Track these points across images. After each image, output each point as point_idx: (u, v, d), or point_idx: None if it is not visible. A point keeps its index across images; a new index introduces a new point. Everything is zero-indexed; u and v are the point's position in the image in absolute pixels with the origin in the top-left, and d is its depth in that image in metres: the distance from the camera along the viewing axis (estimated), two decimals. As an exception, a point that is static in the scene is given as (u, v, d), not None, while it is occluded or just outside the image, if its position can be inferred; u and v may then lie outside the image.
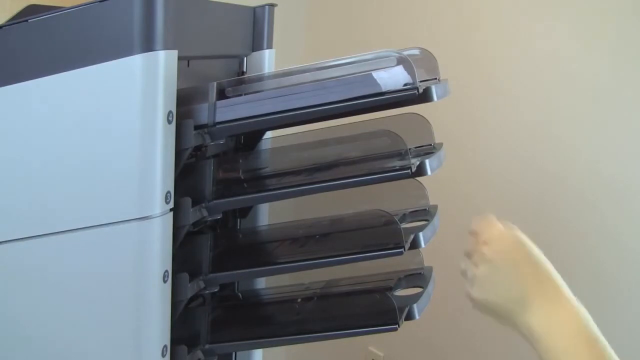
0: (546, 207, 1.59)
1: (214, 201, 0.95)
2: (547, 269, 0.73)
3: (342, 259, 0.97)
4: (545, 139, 1.60)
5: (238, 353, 1.19)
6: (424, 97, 0.90)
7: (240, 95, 0.96)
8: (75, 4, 0.83)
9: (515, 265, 0.73)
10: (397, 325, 0.97)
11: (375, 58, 0.94)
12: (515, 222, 1.59)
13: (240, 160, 1.11)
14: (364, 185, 0.93)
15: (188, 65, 0.99)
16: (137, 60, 0.81)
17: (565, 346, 0.66)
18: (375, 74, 0.88)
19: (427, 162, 0.92)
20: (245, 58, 1.14)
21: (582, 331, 0.67)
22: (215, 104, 0.91)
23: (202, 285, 0.97)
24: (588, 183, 1.53)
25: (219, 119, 0.92)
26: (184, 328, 0.96)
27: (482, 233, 0.78)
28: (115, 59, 0.82)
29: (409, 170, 0.90)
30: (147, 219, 0.84)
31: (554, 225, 1.58)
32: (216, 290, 0.99)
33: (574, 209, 1.56)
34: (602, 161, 1.51)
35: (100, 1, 0.82)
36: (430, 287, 1.06)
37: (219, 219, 0.98)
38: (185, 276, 0.92)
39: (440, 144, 1.06)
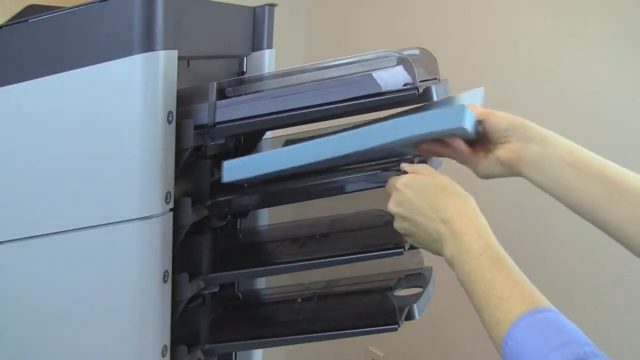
0: (546, 207, 1.59)
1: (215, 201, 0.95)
2: (440, 205, 0.81)
3: (342, 259, 0.97)
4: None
5: (238, 353, 1.19)
6: (424, 97, 0.90)
7: (240, 95, 0.96)
8: (75, 4, 0.83)
9: (414, 216, 0.82)
10: (397, 325, 0.97)
11: (375, 58, 0.94)
12: (514, 222, 1.59)
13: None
14: (367, 189, 0.93)
15: (188, 65, 0.99)
16: (137, 60, 0.81)
17: (473, 267, 0.74)
18: (375, 74, 0.88)
19: (427, 162, 0.93)
20: (245, 58, 1.14)
21: (484, 250, 0.75)
22: (215, 104, 0.91)
23: (202, 285, 0.97)
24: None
25: (219, 119, 0.91)
26: (184, 328, 0.96)
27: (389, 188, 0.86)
28: (115, 59, 0.82)
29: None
30: (147, 219, 0.84)
31: (555, 223, 1.58)
32: (216, 290, 0.99)
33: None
34: (607, 155, 1.51)
35: (100, 1, 0.82)
36: (430, 287, 1.06)
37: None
38: (185, 276, 0.92)
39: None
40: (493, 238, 0.77)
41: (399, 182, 0.84)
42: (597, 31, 1.50)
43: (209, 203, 0.95)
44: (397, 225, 0.85)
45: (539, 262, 1.59)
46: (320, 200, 0.98)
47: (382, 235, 0.99)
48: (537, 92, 1.61)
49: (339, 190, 0.94)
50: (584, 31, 1.52)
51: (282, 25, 1.23)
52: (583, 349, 0.64)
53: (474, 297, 0.74)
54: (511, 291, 0.71)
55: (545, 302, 0.69)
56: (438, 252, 0.82)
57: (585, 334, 0.67)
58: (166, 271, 0.88)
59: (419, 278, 1.09)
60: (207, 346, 1.00)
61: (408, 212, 0.83)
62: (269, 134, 1.15)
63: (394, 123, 0.82)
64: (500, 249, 0.76)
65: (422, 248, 0.85)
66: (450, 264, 0.79)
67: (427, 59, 0.99)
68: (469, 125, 0.82)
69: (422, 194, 0.82)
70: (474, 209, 0.80)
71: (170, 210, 0.88)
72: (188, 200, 0.90)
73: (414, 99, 0.88)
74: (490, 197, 1.68)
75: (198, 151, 0.94)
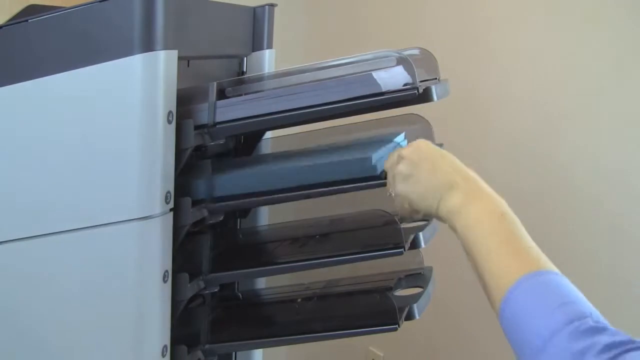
0: (547, 207, 1.59)
1: (215, 202, 0.95)
2: (464, 166, 0.81)
3: (342, 259, 0.97)
4: (546, 138, 1.60)
5: (238, 353, 1.19)
6: (424, 97, 0.90)
7: (240, 95, 0.96)
8: (75, 4, 0.83)
9: (433, 160, 0.82)
10: (397, 325, 0.97)
11: (375, 58, 0.94)
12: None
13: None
14: (365, 189, 0.93)
15: (188, 65, 0.99)
16: (137, 60, 0.81)
17: (484, 225, 0.74)
18: (375, 74, 0.88)
19: None
20: (245, 58, 1.14)
21: (499, 213, 0.74)
22: (215, 104, 0.91)
23: (202, 285, 0.97)
24: (589, 181, 1.53)
25: (219, 119, 0.91)
26: (184, 328, 0.96)
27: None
28: (115, 59, 0.82)
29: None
30: (147, 219, 0.84)
31: (557, 223, 1.58)
32: (216, 290, 0.99)
33: (576, 207, 1.56)
34: (604, 158, 1.51)
35: (100, 1, 0.82)
36: (430, 287, 1.06)
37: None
38: (185, 276, 0.92)
39: (441, 145, 1.06)
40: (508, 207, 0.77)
41: (419, 139, 0.85)
42: (596, 29, 1.50)
43: (209, 203, 0.95)
44: (403, 168, 0.83)
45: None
46: (321, 200, 0.98)
47: (382, 235, 0.99)
48: (537, 90, 1.61)
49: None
50: (584, 27, 1.52)
51: (282, 25, 1.23)
52: (582, 309, 0.64)
53: (481, 249, 0.72)
54: (522, 252, 0.70)
55: (553, 268, 0.69)
56: (437, 203, 0.79)
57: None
58: (166, 271, 0.88)
59: (419, 278, 1.09)
60: (207, 346, 1.00)
61: (423, 156, 0.82)
62: (269, 134, 1.15)
63: (317, 167, 0.94)
64: (516, 217, 0.75)
65: (416, 198, 0.82)
66: (457, 212, 0.77)
67: (427, 59, 0.99)
68: (380, 169, 0.91)
69: (442, 153, 0.83)
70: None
71: (170, 210, 0.88)
72: (188, 200, 0.90)
73: (414, 99, 0.88)
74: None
75: (198, 151, 0.94)
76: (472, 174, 0.80)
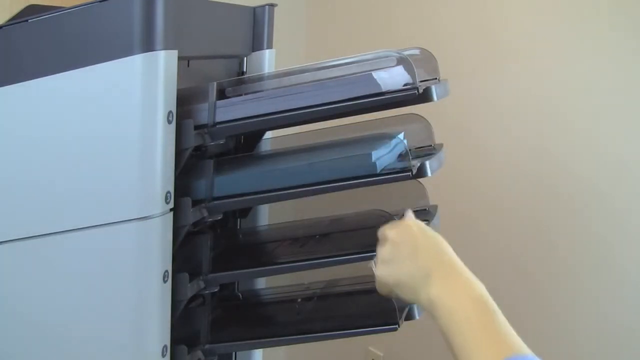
0: (546, 207, 1.59)
1: (214, 201, 0.95)
2: (445, 249, 0.80)
3: (342, 259, 0.97)
4: (547, 138, 1.60)
5: (238, 353, 1.19)
6: (424, 97, 0.90)
7: (240, 95, 0.96)
8: (75, 4, 0.83)
9: (415, 245, 0.81)
10: (397, 325, 0.97)
11: (375, 58, 0.94)
12: (514, 220, 1.59)
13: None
14: (365, 187, 0.93)
15: (188, 65, 0.99)
16: (137, 60, 0.81)
17: (459, 313, 0.73)
18: (375, 74, 0.88)
19: (427, 163, 0.92)
20: (245, 58, 1.14)
21: (474, 299, 0.74)
22: (215, 104, 0.91)
23: (202, 285, 0.97)
24: (593, 177, 1.54)
25: (219, 119, 0.91)
26: (184, 328, 0.96)
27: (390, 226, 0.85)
28: (115, 59, 0.82)
29: (410, 172, 0.90)
30: (147, 219, 0.84)
31: (556, 224, 1.58)
32: (216, 290, 0.99)
33: (578, 205, 1.56)
34: (606, 156, 1.51)
35: (100, 1, 0.82)
36: (430, 287, 1.06)
37: (219, 219, 0.98)
38: (185, 276, 0.92)
39: (440, 145, 1.06)
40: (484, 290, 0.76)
41: (407, 218, 0.84)
42: (593, 29, 1.50)
43: (209, 203, 0.95)
44: (384, 251, 0.82)
45: (539, 269, 1.60)
46: (321, 200, 0.97)
47: (382, 235, 0.99)
48: (537, 90, 1.61)
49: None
50: (585, 29, 1.52)
51: (282, 25, 1.23)
52: None
53: (458, 339, 0.72)
54: (498, 337, 0.70)
55: (527, 351, 0.69)
56: (415, 293, 0.78)
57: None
58: (166, 271, 0.88)
59: (419, 278, 1.09)
60: (207, 346, 1.00)
61: (406, 239, 0.81)
62: (269, 134, 1.15)
63: (316, 164, 0.94)
64: (492, 301, 0.74)
65: (393, 284, 0.82)
66: (433, 304, 0.75)
67: (427, 59, 0.99)
68: (379, 166, 0.91)
69: (426, 236, 0.82)
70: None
71: (170, 210, 0.88)
72: (188, 200, 0.90)
73: (414, 99, 0.88)
74: (491, 203, 1.68)
75: (198, 151, 0.95)
76: (450, 257, 0.79)
